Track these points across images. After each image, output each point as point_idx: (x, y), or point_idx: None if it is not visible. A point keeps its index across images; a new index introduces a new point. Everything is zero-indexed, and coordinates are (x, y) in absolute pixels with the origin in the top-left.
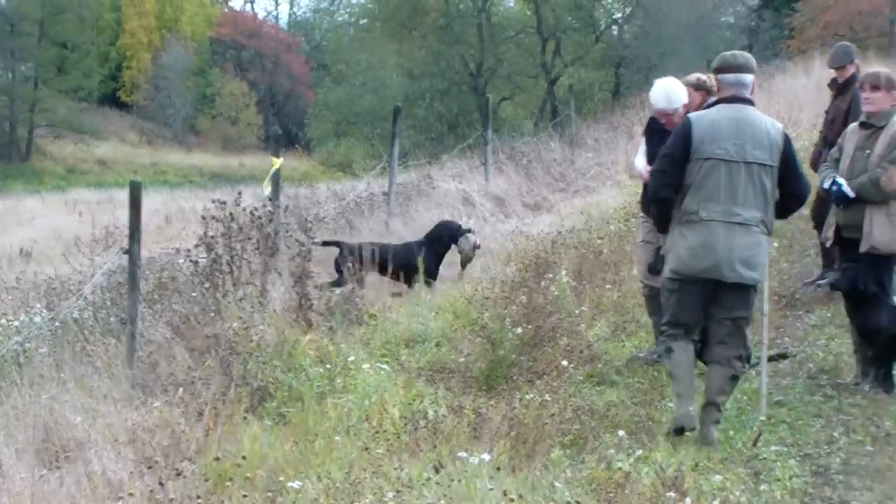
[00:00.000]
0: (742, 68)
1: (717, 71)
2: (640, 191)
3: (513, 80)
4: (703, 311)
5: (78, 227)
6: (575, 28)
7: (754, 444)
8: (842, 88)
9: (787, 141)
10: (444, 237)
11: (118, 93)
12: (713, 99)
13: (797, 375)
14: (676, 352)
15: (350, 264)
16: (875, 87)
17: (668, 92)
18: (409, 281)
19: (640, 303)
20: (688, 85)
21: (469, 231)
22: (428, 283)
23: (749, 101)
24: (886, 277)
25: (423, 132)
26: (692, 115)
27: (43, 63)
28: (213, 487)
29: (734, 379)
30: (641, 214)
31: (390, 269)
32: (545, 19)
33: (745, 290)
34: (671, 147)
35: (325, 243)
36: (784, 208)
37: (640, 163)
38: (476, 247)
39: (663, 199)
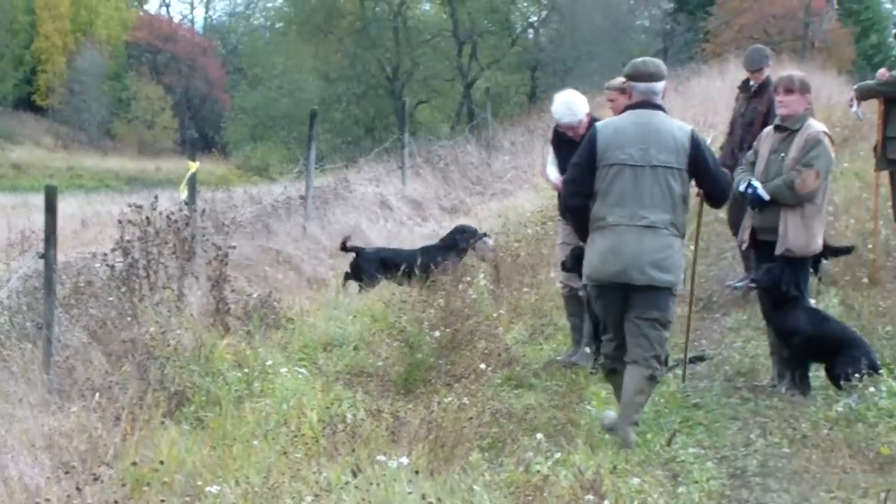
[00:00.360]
0: (653, 76)
1: (629, 78)
2: (556, 194)
3: (429, 84)
4: (620, 314)
5: None
6: (491, 31)
7: (668, 444)
8: (757, 91)
9: (694, 143)
10: (462, 242)
11: (33, 96)
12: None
13: (714, 378)
14: (618, 373)
15: (371, 270)
16: (789, 91)
17: (570, 104)
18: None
19: (557, 305)
20: (614, 89)
21: (485, 235)
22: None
23: (658, 107)
24: (802, 279)
25: (339, 136)
26: (598, 123)
27: None
28: (130, 492)
29: (652, 379)
30: (559, 217)
31: (410, 275)
32: (461, 23)
33: (658, 292)
34: (578, 156)
35: (344, 248)
36: (710, 203)
37: (553, 173)
38: (493, 250)
39: (575, 208)
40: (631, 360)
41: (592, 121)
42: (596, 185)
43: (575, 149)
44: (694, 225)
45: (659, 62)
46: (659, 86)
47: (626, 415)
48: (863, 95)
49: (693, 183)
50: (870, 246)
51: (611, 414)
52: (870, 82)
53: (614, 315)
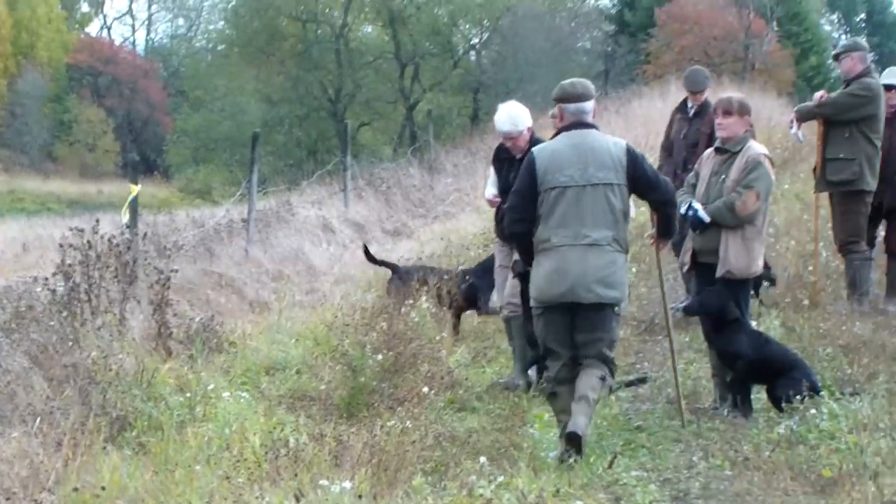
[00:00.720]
0: (582, 97)
1: (559, 101)
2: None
3: (371, 106)
4: (570, 334)
5: None
6: (433, 54)
7: (610, 467)
8: (698, 112)
9: (631, 156)
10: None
11: None
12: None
13: (656, 400)
14: (561, 396)
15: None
16: (727, 113)
17: (513, 115)
18: (474, 305)
19: (500, 328)
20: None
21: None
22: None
23: (591, 125)
24: (743, 301)
25: (282, 158)
26: (535, 149)
27: None
28: None
29: (603, 380)
30: (497, 240)
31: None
32: (403, 45)
33: (603, 311)
34: (519, 183)
35: (377, 262)
36: (659, 214)
37: (489, 192)
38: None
39: (519, 234)
40: (585, 365)
41: (533, 137)
42: (538, 209)
43: (514, 166)
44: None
45: (586, 82)
46: (588, 105)
47: (580, 404)
48: (802, 117)
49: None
50: (810, 268)
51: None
52: (809, 104)
53: (561, 336)
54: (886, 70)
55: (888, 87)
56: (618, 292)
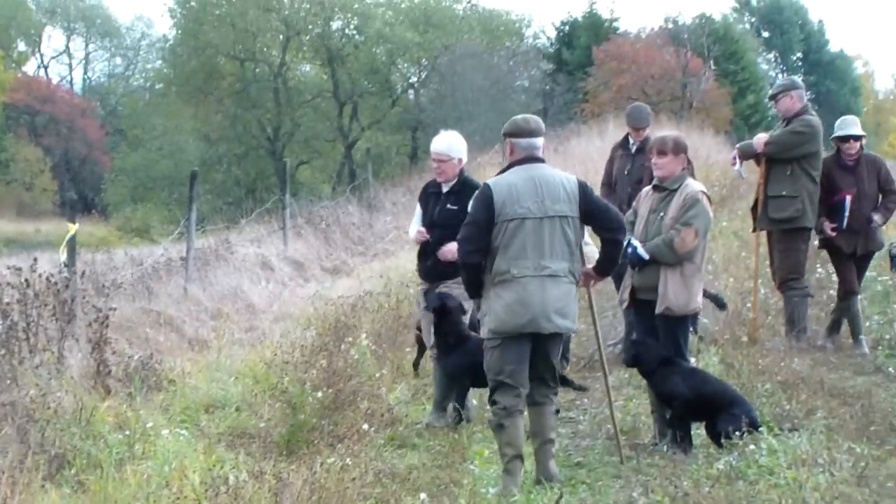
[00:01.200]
0: (534, 132)
1: (510, 135)
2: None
3: (310, 144)
4: (526, 363)
5: None
6: (372, 92)
7: None
8: (640, 149)
9: (583, 189)
10: None
11: None
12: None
13: (596, 436)
14: (508, 429)
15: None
16: (662, 153)
17: (450, 141)
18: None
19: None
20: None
21: None
22: None
23: (542, 160)
24: (682, 338)
25: (220, 196)
26: (490, 181)
27: None
28: None
29: (557, 413)
30: (422, 282)
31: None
32: (342, 83)
33: (558, 339)
34: (475, 214)
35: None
36: (609, 242)
37: (413, 230)
38: None
39: (472, 266)
40: (538, 402)
41: (463, 172)
42: (494, 241)
43: (441, 201)
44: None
45: (537, 118)
46: (540, 141)
47: (548, 451)
48: (745, 155)
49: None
50: (749, 305)
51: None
52: (751, 142)
53: (518, 366)
54: (841, 120)
55: (846, 139)
56: (571, 322)
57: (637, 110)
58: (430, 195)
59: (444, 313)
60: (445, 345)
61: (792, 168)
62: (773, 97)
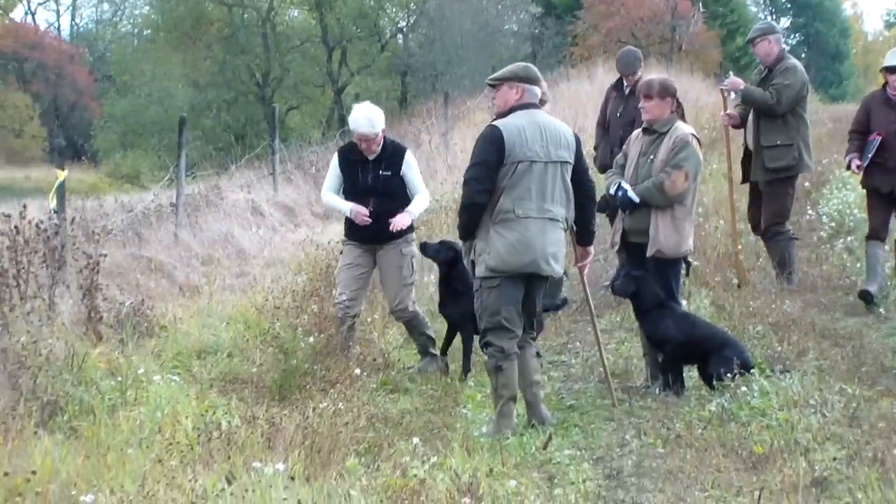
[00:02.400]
0: (536, 80)
1: (522, 80)
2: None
3: (299, 90)
4: (520, 305)
5: None
6: (360, 37)
7: (545, 447)
8: (633, 91)
9: (577, 141)
10: None
11: None
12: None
13: (588, 380)
14: (506, 371)
15: None
16: (647, 97)
17: (370, 117)
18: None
19: (431, 310)
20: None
21: None
22: None
23: (538, 107)
24: (673, 281)
25: (210, 142)
26: (497, 122)
27: None
28: (3, 503)
29: (538, 356)
30: (345, 239)
31: None
32: (330, 28)
33: (545, 282)
34: (484, 154)
35: None
36: (581, 205)
37: (330, 197)
38: None
39: (478, 205)
40: (521, 345)
41: (385, 138)
42: (500, 181)
43: (367, 167)
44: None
45: (535, 68)
46: (538, 89)
47: (536, 393)
48: (746, 101)
49: None
50: (740, 247)
51: (487, 428)
52: (760, 91)
53: (514, 306)
54: (891, 51)
55: (894, 69)
56: (561, 268)
57: (626, 55)
58: (353, 162)
59: (454, 262)
60: (455, 293)
61: (784, 116)
62: (752, 41)
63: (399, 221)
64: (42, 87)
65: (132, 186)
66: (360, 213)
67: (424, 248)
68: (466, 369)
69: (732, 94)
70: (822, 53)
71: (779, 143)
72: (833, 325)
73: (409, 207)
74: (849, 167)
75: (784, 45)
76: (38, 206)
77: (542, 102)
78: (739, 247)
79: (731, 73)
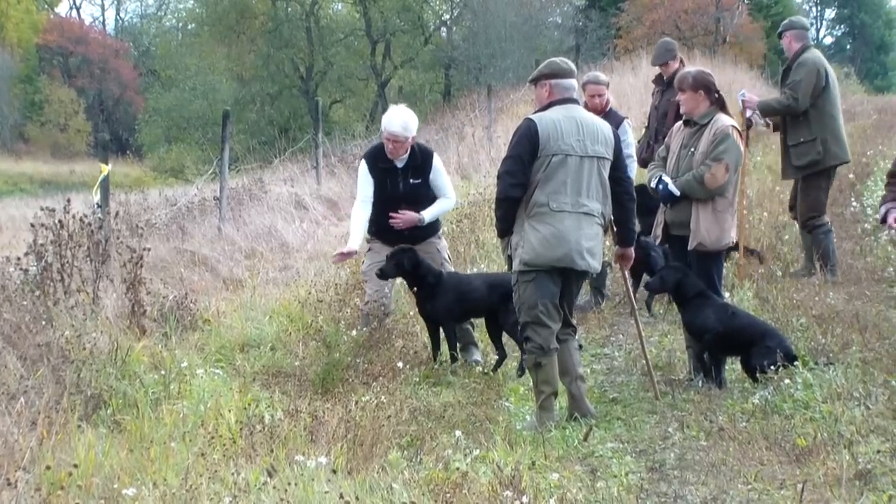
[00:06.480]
0: (572, 73)
1: (553, 76)
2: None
3: (343, 83)
4: (557, 299)
5: None
6: (404, 30)
7: (586, 439)
8: (669, 84)
9: (616, 137)
10: None
11: None
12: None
13: (631, 372)
14: (546, 367)
15: None
16: (681, 90)
17: (406, 119)
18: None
19: None
20: (600, 83)
21: None
22: None
23: (577, 102)
24: (715, 274)
25: (254, 136)
26: (533, 116)
27: None
28: (46, 497)
29: (580, 349)
30: (374, 239)
31: None
32: (374, 21)
33: (582, 277)
34: (518, 149)
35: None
36: (620, 203)
37: (354, 225)
38: None
39: (513, 199)
40: (562, 339)
41: (413, 145)
42: (534, 175)
43: (396, 175)
44: None
45: (570, 62)
46: (575, 83)
47: (580, 386)
48: (766, 113)
49: None
50: (786, 237)
51: (531, 420)
52: (773, 102)
53: (551, 300)
54: None
55: None
56: (598, 263)
57: (657, 46)
58: (383, 171)
59: (415, 262)
60: (429, 286)
61: (806, 112)
62: (780, 35)
63: (404, 218)
64: (87, 82)
65: (176, 180)
66: (343, 258)
67: (384, 275)
68: (454, 359)
69: (756, 114)
70: (866, 45)
71: (802, 140)
72: (877, 318)
73: (425, 210)
74: (884, 221)
75: (806, 41)
76: (83, 200)
77: None
78: (786, 237)
79: (743, 91)
